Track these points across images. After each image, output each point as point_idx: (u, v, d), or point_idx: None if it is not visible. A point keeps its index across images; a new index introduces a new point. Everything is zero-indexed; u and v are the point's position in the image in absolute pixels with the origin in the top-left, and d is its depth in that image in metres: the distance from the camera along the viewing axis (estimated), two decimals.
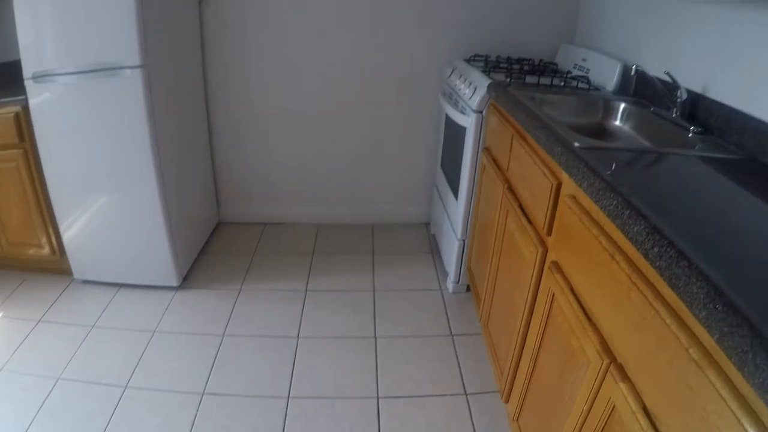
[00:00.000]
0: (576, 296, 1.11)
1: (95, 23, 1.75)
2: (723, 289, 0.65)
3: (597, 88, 1.95)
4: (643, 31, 1.90)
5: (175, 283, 2.25)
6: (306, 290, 2.30)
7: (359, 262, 2.50)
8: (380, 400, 1.72)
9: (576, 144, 1.21)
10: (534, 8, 2.43)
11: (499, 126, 1.77)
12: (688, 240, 0.76)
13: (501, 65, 2.20)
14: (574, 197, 1.18)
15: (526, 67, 2.21)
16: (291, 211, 2.78)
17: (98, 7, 1.72)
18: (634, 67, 1.64)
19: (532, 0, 2.42)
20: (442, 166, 2.51)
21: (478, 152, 1.99)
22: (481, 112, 1.92)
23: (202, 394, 1.72)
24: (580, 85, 1.95)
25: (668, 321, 0.76)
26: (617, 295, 0.92)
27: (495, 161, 1.82)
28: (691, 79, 1.57)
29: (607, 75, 1.96)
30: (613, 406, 0.91)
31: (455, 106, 2.16)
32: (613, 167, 1.09)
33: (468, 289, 2.31)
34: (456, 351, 1.96)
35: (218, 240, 2.68)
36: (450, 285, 2.31)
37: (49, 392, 1.70)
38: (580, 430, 1.04)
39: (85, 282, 2.30)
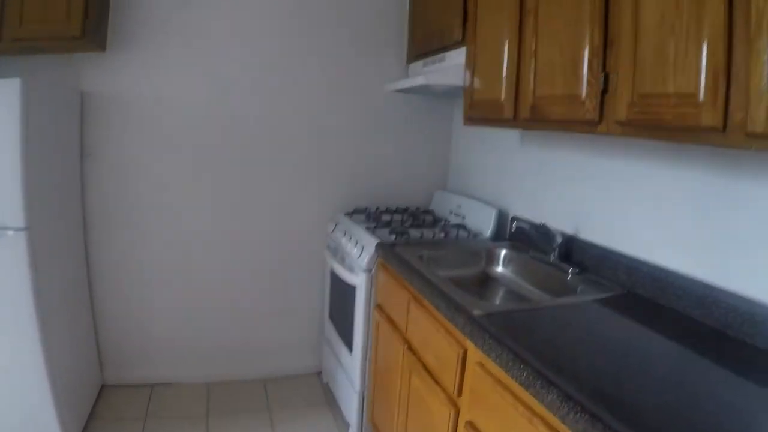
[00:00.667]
0: None
1: None
2: None
3: (476, 234, 2.02)
4: (513, 179, 2.04)
5: None
6: None
7: (258, 421, 2.24)
8: None
9: (476, 312, 1.17)
10: (408, 159, 2.60)
11: (392, 287, 1.73)
12: (598, 399, 0.82)
13: (382, 218, 2.24)
14: (482, 365, 1.12)
15: (407, 220, 2.26)
16: (179, 371, 2.48)
17: None
18: (510, 216, 1.75)
19: (406, 152, 2.60)
20: (331, 317, 2.39)
21: (370, 310, 1.92)
22: (371, 270, 1.88)
23: None
24: (461, 233, 2.01)
25: None
26: None
27: (390, 320, 1.73)
28: (563, 223, 1.70)
29: (483, 221, 2.06)
30: None
31: (341, 262, 2.10)
32: (517, 335, 1.08)
33: None
34: None
35: (104, 406, 2.24)
36: None
37: None
38: None
39: None
